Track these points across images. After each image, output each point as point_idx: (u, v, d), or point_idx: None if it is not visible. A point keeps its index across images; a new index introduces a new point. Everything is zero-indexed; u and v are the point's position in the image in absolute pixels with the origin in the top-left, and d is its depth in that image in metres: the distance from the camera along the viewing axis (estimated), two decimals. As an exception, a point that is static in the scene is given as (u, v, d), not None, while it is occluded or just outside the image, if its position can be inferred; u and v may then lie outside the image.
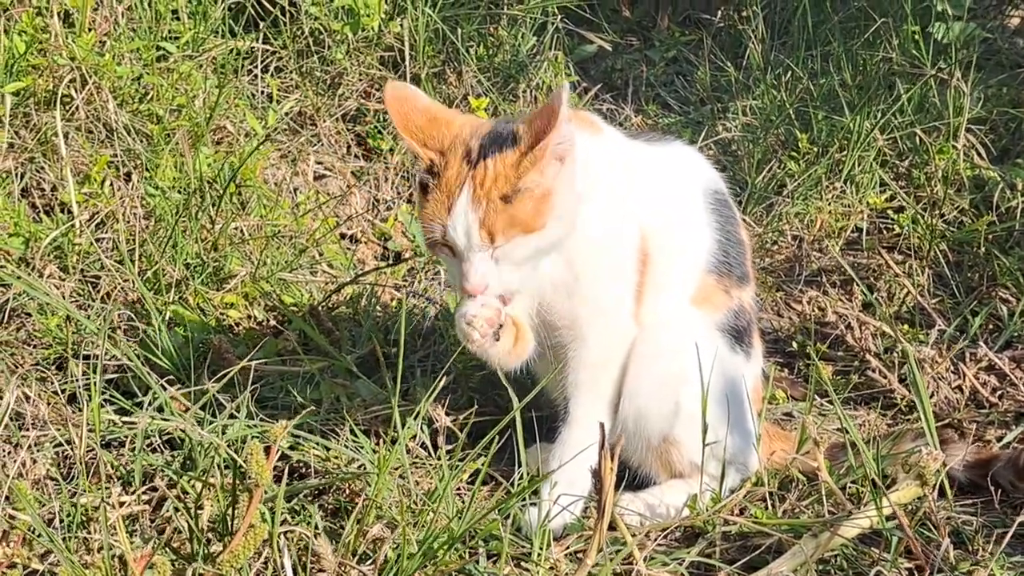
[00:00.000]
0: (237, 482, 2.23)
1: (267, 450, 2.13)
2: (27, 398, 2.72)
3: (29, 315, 2.96)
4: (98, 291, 3.05)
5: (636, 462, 2.71)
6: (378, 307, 3.21)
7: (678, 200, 2.70)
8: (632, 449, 2.68)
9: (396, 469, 2.50)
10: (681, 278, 2.67)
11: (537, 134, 2.36)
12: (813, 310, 3.54)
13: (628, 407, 2.63)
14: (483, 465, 2.43)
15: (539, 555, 2.38)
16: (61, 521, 2.38)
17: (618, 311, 2.61)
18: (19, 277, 2.91)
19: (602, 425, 2.26)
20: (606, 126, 2.67)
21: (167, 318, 3.00)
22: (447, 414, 2.72)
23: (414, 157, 2.46)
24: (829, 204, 3.83)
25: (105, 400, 2.74)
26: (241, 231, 3.32)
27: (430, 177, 2.42)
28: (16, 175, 3.22)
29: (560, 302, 2.58)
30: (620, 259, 2.59)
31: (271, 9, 3.82)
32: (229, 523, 2.25)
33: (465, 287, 2.41)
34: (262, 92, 3.78)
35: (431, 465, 2.65)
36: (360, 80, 3.90)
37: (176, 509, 2.37)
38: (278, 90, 3.79)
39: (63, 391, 2.78)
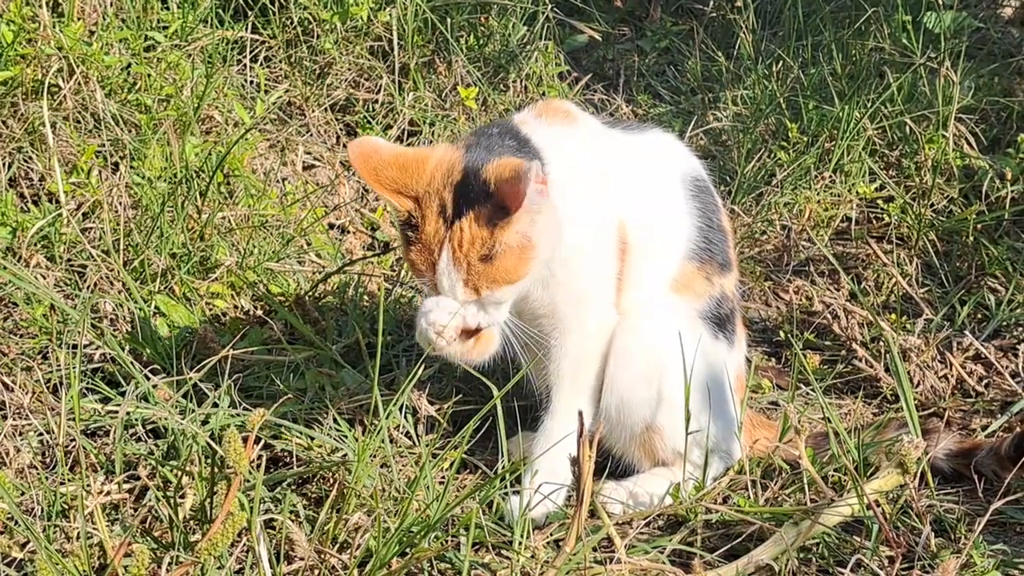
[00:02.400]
0: (216, 471, 2.24)
1: (246, 439, 2.13)
2: (8, 387, 2.73)
3: (15, 305, 2.97)
4: (84, 281, 3.06)
5: (620, 451, 2.71)
6: (365, 296, 3.21)
7: (656, 188, 2.70)
8: (616, 438, 2.68)
9: (377, 457, 2.50)
10: (661, 266, 2.67)
11: (502, 203, 2.38)
12: (800, 299, 3.54)
13: (610, 396, 2.63)
14: (460, 452, 2.44)
15: (520, 543, 2.38)
16: (43, 510, 2.38)
17: (599, 301, 2.61)
18: (5, 267, 2.92)
19: (581, 413, 2.26)
20: (582, 115, 2.66)
21: (153, 308, 3.01)
22: (431, 403, 2.73)
23: (393, 208, 2.47)
24: (818, 194, 3.82)
25: (89, 389, 2.75)
26: (228, 221, 3.32)
27: (410, 230, 2.45)
28: (3, 165, 3.22)
29: (540, 293, 2.58)
30: (599, 250, 2.59)
31: (260, -2, 3.83)
32: (208, 512, 2.25)
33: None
34: (251, 82, 3.78)
35: (413, 454, 2.65)
36: (349, 70, 3.90)
37: (157, 498, 2.37)
38: (267, 80, 3.79)
39: (47, 380, 2.78)
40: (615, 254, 2.59)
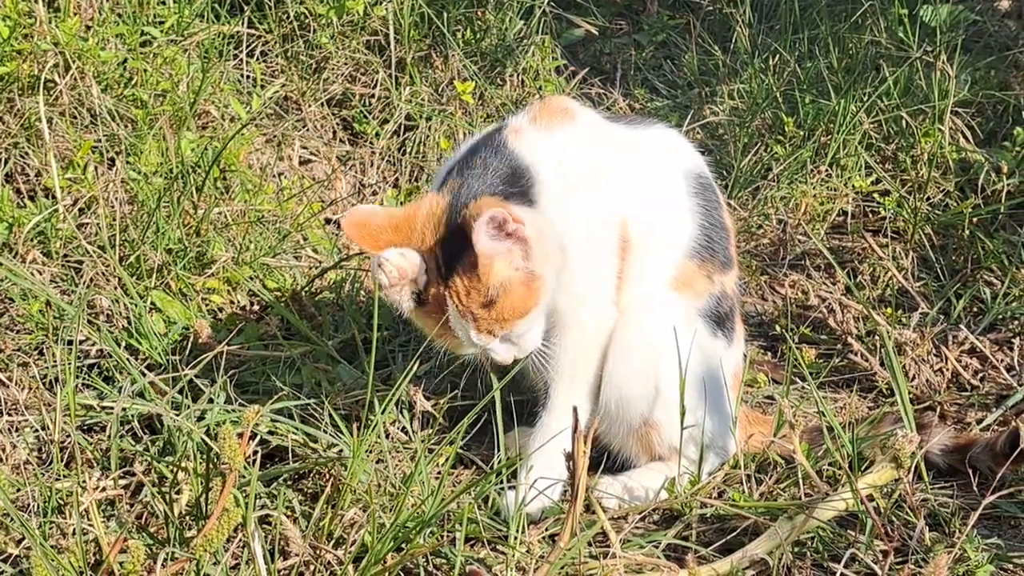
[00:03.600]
0: (211, 467, 2.24)
1: (241, 435, 2.14)
2: (3, 383, 2.73)
3: (11, 300, 2.97)
4: (80, 276, 3.06)
5: (618, 445, 2.72)
6: (361, 292, 3.21)
7: (659, 185, 2.70)
8: (614, 432, 2.69)
9: (372, 453, 2.51)
10: (662, 263, 2.68)
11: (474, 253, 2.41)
12: (796, 293, 3.55)
13: (609, 391, 2.64)
14: (455, 448, 2.44)
15: (515, 538, 2.39)
16: (39, 506, 2.39)
17: (599, 299, 2.62)
18: (1, 263, 2.92)
19: (575, 409, 2.27)
20: (582, 111, 2.66)
21: (149, 303, 3.01)
22: (428, 398, 2.73)
23: None
24: (814, 188, 3.83)
25: (84, 385, 2.75)
26: (224, 216, 3.33)
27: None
28: (0, 160, 3.22)
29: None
30: (600, 247, 2.59)
31: (256, -7, 3.83)
32: (204, 508, 2.26)
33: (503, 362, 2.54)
34: (247, 77, 3.78)
35: (409, 449, 2.66)
36: (345, 64, 3.90)
37: (153, 494, 2.38)
38: (263, 75, 3.79)
39: (43, 376, 2.79)
40: (615, 252, 2.59)
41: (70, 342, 2.77)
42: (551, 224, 2.49)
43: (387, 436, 2.63)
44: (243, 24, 3.81)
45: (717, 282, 2.72)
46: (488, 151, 2.55)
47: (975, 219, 3.65)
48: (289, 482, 2.55)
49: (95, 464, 2.55)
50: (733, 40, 4.37)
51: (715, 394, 2.68)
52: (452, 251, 2.45)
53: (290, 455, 2.58)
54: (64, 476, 2.46)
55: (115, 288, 3.04)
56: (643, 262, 2.64)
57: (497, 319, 2.45)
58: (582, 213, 2.55)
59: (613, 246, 2.60)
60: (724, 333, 2.74)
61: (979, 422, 2.99)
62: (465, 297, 2.44)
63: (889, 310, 3.38)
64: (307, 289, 3.15)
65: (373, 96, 3.90)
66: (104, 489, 2.42)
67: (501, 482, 2.56)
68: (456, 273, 2.44)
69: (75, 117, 3.34)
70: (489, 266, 2.42)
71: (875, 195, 3.84)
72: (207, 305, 3.12)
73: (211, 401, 2.61)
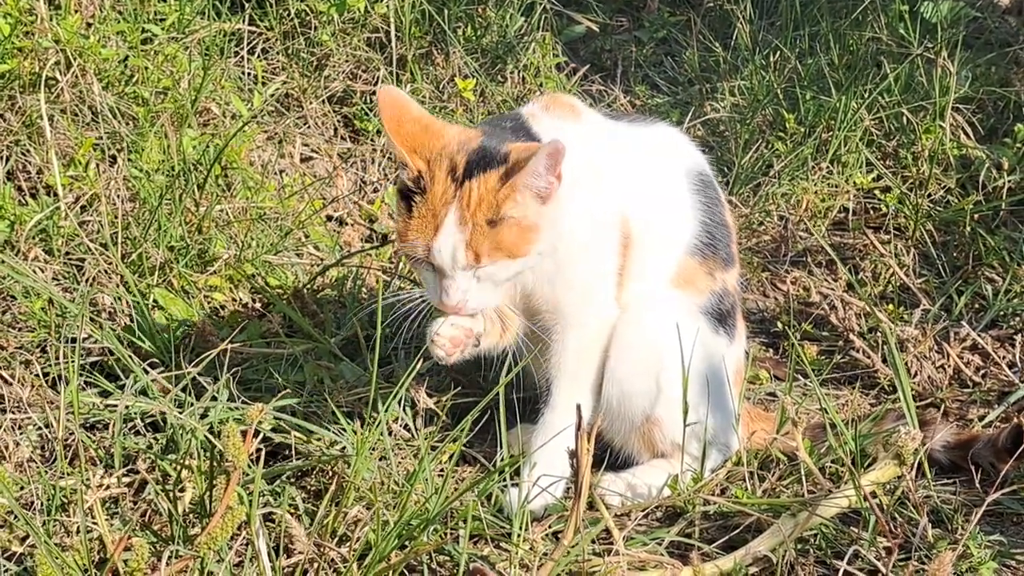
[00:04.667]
0: (215, 464, 2.24)
1: (244, 433, 2.14)
2: (7, 381, 2.73)
3: (14, 298, 2.97)
4: (83, 274, 3.06)
5: (620, 442, 2.72)
6: (363, 289, 3.21)
7: (661, 183, 2.71)
8: (616, 429, 2.69)
9: (376, 451, 2.51)
10: (663, 260, 2.68)
11: (514, 168, 2.39)
12: (798, 290, 3.55)
13: (611, 387, 2.64)
14: (458, 445, 2.44)
15: (518, 535, 2.39)
16: (43, 504, 2.39)
17: (600, 296, 2.62)
18: (3, 261, 2.92)
19: (579, 407, 2.27)
20: (586, 110, 2.67)
21: (151, 301, 3.01)
22: (430, 396, 2.73)
23: (402, 165, 2.46)
24: (816, 184, 3.83)
25: (87, 383, 2.75)
26: (226, 213, 3.33)
27: (416, 191, 2.44)
28: (1, 158, 3.22)
29: (543, 288, 2.59)
30: (602, 244, 2.60)
31: (257, -10, 3.83)
32: (208, 505, 2.26)
33: (444, 303, 2.46)
34: (248, 74, 3.78)
35: (412, 447, 2.66)
36: (346, 62, 3.90)
37: (156, 492, 2.38)
38: (264, 72, 3.79)
39: (46, 374, 2.79)
40: (617, 249, 2.60)
41: (73, 340, 2.77)
42: (561, 205, 2.48)
43: (390, 433, 2.63)
44: (244, 21, 3.81)
45: (719, 279, 2.72)
46: (513, 123, 2.57)
47: (976, 216, 3.65)
48: (293, 480, 2.55)
49: (99, 462, 2.55)
50: (734, 37, 4.37)
51: (717, 391, 2.69)
52: (479, 161, 2.41)
53: (293, 453, 2.58)
54: (68, 474, 2.46)
55: (117, 286, 3.04)
56: (644, 259, 2.65)
57: (493, 243, 2.40)
58: (584, 210, 2.55)
59: (614, 243, 2.61)
60: (726, 330, 2.74)
61: (981, 418, 2.99)
62: (476, 206, 2.39)
63: (891, 307, 3.38)
64: (309, 286, 3.15)
65: (374, 93, 3.90)
66: (108, 487, 2.42)
67: (504, 480, 2.56)
68: (475, 180, 2.39)
69: (76, 114, 3.34)
70: (514, 187, 2.38)
71: (876, 192, 3.84)
72: (209, 303, 3.12)
73: (214, 399, 2.61)
